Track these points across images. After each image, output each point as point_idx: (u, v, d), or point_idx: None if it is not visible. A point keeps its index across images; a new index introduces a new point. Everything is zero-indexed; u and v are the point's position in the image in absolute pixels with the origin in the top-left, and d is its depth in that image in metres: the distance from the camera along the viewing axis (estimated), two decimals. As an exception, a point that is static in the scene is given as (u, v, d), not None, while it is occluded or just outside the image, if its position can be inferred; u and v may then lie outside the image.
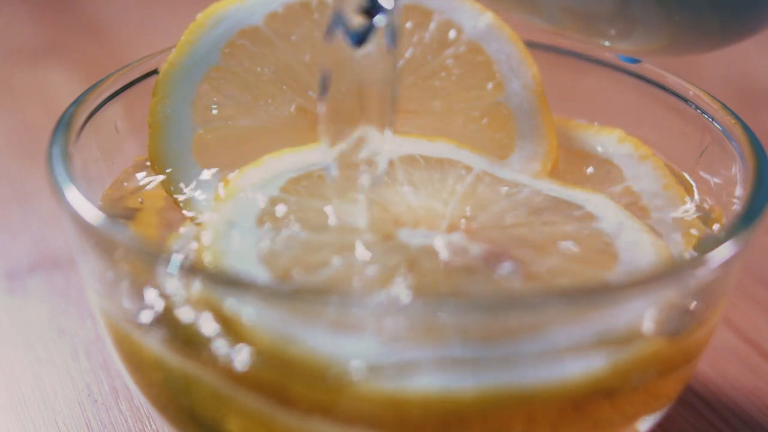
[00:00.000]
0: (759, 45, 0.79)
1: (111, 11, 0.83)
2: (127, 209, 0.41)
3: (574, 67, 0.47)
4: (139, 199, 0.41)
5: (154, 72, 0.43)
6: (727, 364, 0.48)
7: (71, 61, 0.75)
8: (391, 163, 0.41)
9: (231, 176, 0.40)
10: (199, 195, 0.41)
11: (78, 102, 0.41)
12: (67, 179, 0.36)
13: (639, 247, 0.38)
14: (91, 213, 0.35)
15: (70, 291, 0.52)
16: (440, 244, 0.37)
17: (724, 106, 0.42)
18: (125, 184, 0.42)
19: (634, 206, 0.41)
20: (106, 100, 0.42)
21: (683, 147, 0.45)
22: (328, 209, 0.38)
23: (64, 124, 0.39)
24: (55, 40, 0.78)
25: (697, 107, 0.43)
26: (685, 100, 0.44)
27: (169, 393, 0.37)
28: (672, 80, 0.45)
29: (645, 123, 0.46)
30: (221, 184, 0.40)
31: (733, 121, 0.41)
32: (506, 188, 0.40)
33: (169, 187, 0.41)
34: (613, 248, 0.38)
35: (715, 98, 0.43)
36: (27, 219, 0.57)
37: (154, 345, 0.35)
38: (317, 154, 0.40)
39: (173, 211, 0.41)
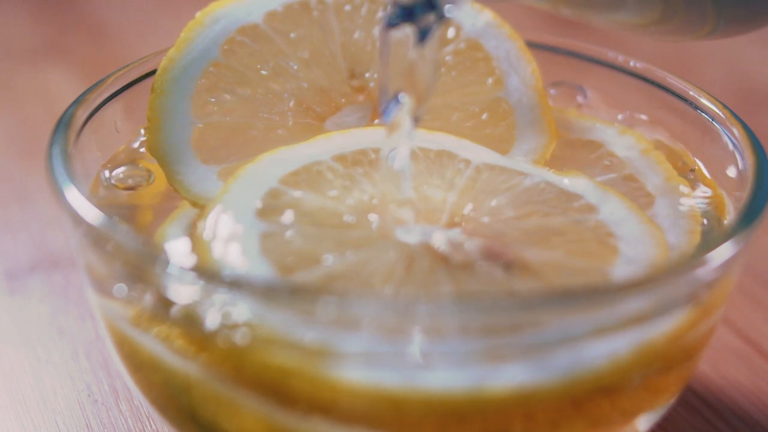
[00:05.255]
0: (759, 45, 0.79)
1: (111, 11, 0.83)
2: (124, 204, 0.41)
3: (575, 66, 0.47)
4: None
5: (155, 72, 0.43)
6: (727, 364, 0.48)
7: (71, 61, 0.75)
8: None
9: (230, 172, 0.40)
10: (198, 189, 0.41)
11: (78, 102, 0.41)
12: (67, 179, 0.36)
13: (639, 239, 0.38)
14: (91, 213, 0.35)
15: (70, 291, 0.52)
16: (439, 241, 0.37)
17: (724, 106, 0.42)
18: (121, 170, 0.42)
19: (636, 193, 0.41)
20: (106, 100, 0.42)
21: (683, 147, 0.45)
22: (328, 203, 0.38)
23: (64, 124, 0.39)
24: (55, 40, 0.78)
25: (697, 107, 0.43)
26: (685, 100, 0.44)
27: (169, 393, 0.37)
28: (672, 80, 0.45)
29: (645, 123, 0.46)
30: (221, 181, 0.40)
31: (733, 121, 0.41)
32: (505, 181, 0.40)
33: (169, 181, 0.41)
34: (613, 240, 0.37)
35: (715, 98, 0.43)
36: (27, 219, 0.57)
37: (154, 345, 0.35)
38: (315, 148, 0.40)
39: (172, 205, 0.41)
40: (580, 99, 0.48)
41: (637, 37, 0.41)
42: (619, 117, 0.47)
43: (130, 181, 0.42)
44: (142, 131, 0.44)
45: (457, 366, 0.33)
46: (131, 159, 0.43)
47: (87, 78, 0.71)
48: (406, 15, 0.37)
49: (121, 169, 0.42)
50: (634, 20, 0.37)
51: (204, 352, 0.34)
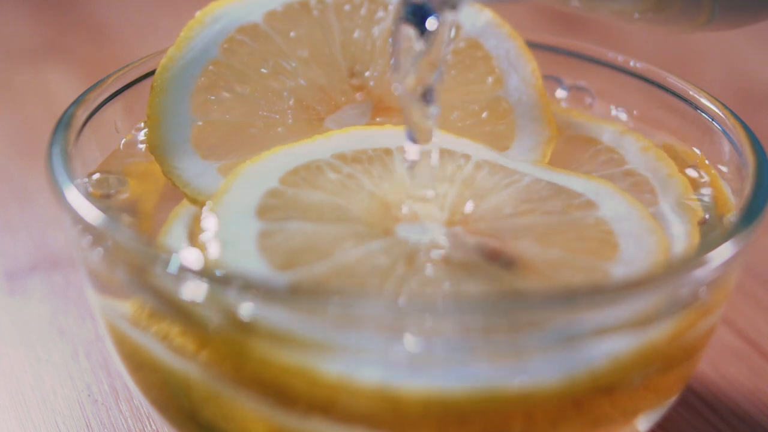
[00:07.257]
0: (759, 45, 0.79)
1: (111, 11, 0.83)
2: (124, 201, 0.41)
3: (575, 66, 0.47)
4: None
5: (155, 72, 0.43)
6: (727, 364, 0.48)
7: (71, 61, 0.75)
8: (389, 154, 0.41)
9: (230, 168, 0.40)
10: (197, 183, 0.41)
11: (78, 102, 0.41)
12: (67, 179, 0.36)
13: (639, 236, 0.38)
14: (91, 213, 0.35)
15: (70, 291, 0.52)
16: (439, 239, 0.37)
17: (724, 106, 0.42)
18: (119, 164, 0.43)
19: (636, 190, 0.41)
20: (106, 100, 0.42)
21: (683, 147, 0.45)
22: (327, 201, 0.38)
23: (64, 124, 0.39)
24: (55, 40, 0.78)
25: (697, 107, 0.43)
26: (685, 100, 0.44)
27: (169, 393, 0.37)
28: (672, 80, 0.45)
29: (645, 123, 0.46)
30: (220, 176, 0.40)
31: (733, 121, 0.41)
32: (505, 177, 0.40)
33: (167, 176, 0.41)
34: (613, 237, 0.37)
35: (715, 98, 0.43)
36: (27, 219, 0.57)
37: (154, 345, 0.35)
38: (314, 146, 0.40)
39: (172, 203, 0.41)
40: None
41: (632, 26, 0.41)
42: (623, 117, 0.47)
43: (106, 186, 0.41)
44: (142, 123, 0.44)
45: (457, 366, 0.33)
46: (108, 167, 0.42)
47: (87, 78, 0.71)
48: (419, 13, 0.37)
49: (96, 176, 0.42)
50: (631, 8, 0.37)
51: (204, 351, 0.34)
